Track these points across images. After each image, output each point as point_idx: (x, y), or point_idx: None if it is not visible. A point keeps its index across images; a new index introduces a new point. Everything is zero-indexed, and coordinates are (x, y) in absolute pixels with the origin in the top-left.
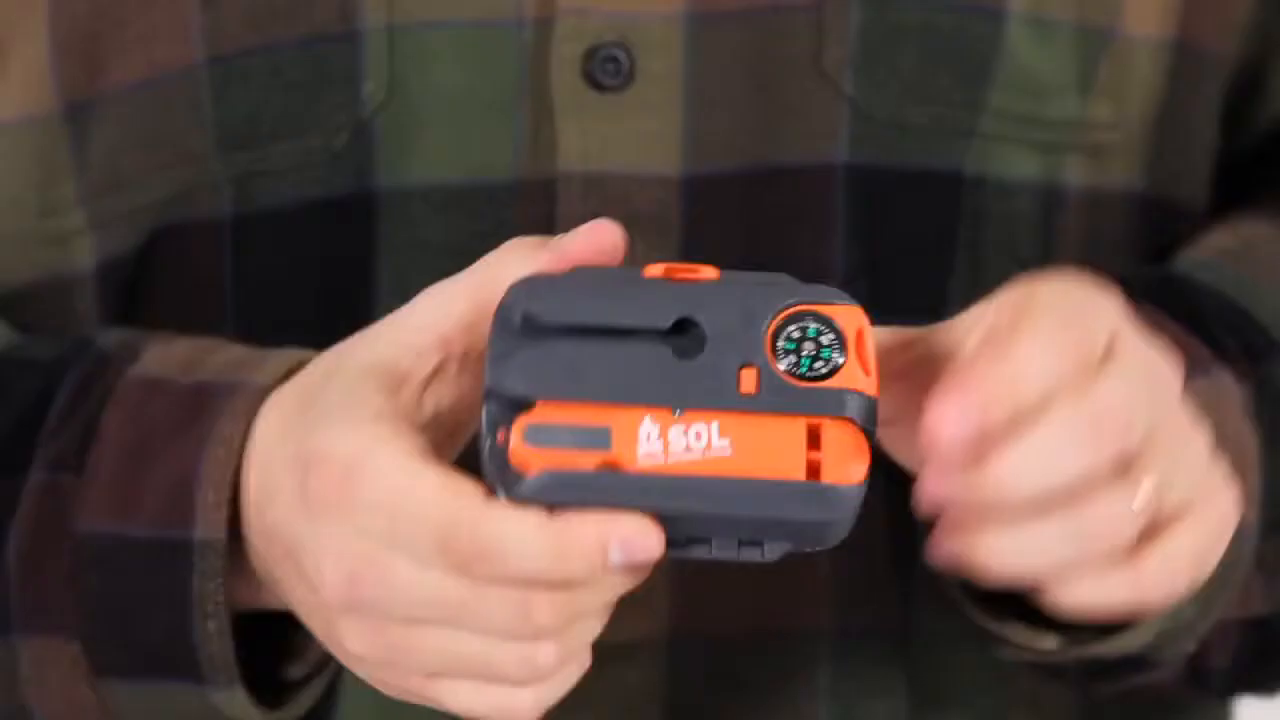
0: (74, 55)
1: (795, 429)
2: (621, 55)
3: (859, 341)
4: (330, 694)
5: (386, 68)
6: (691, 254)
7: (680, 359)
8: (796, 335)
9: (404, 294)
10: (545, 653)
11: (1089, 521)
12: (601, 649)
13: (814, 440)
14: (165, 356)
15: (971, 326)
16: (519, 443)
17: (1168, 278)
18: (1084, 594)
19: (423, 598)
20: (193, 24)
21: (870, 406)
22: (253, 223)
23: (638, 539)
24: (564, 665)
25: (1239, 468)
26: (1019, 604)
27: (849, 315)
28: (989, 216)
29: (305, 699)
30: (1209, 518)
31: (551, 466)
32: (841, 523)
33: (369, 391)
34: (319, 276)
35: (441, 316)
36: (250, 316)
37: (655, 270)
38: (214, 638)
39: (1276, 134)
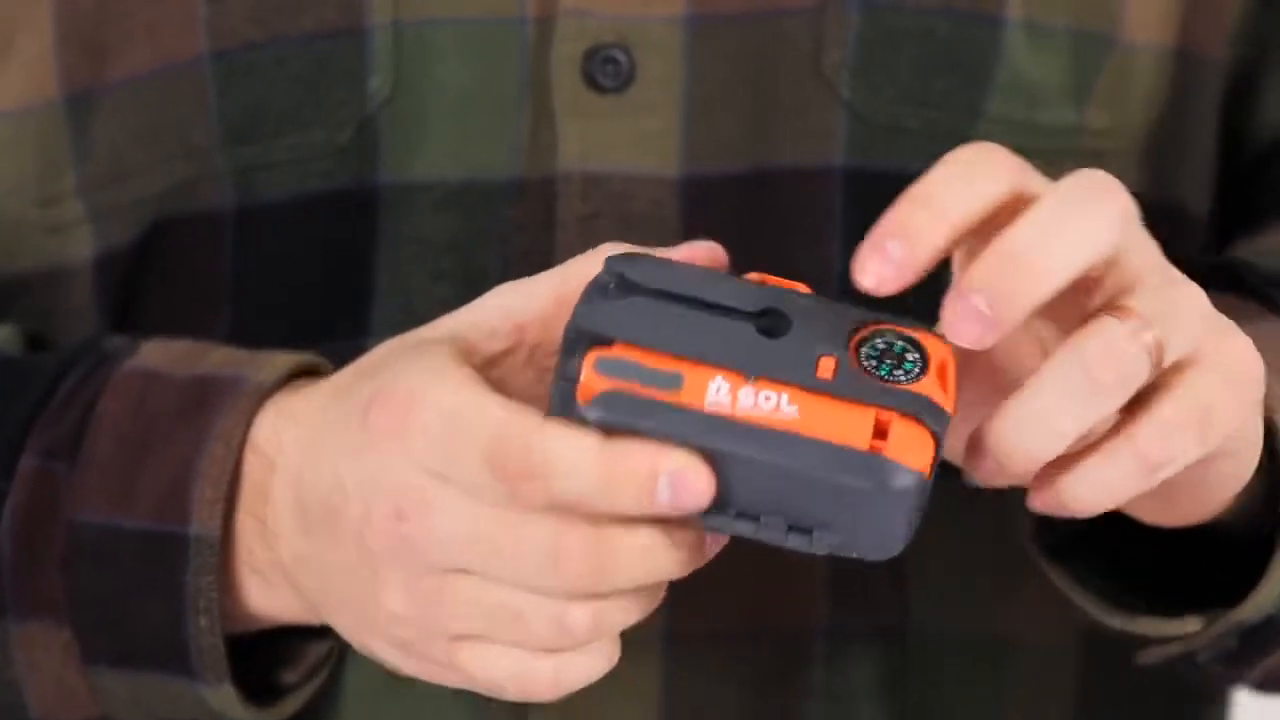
0: (78, 45)
1: (865, 416)
2: (621, 56)
3: (942, 367)
4: (330, 698)
5: (392, 64)
6: None
7: (763, 337)
8: (881, 346)
9: (402, 290)
10: (575, 616)
11: (1093, 360)
12: None
13: (881, 431)
14: (164, 350)
15: None
16: (590, 372)
17: (1214, 261)
18: (1093, 486)
19: (462, 532)
20: (198, 17)
21: (943, 418)
22: (254, 216)
23: (689, 475)
24: (590, 638)
25: None
26: (1147, 604)
27: (936, 345)
28: None
29: (295, 702)
30: (1216, 365)
31: (616, 389)
32: (893, 520)
33: (436, 346)
34: (318, 271)
35: (521, 304)
36: (248, 309)
37: (753, 277)
38: (205, 633)
39: (1275, 142)
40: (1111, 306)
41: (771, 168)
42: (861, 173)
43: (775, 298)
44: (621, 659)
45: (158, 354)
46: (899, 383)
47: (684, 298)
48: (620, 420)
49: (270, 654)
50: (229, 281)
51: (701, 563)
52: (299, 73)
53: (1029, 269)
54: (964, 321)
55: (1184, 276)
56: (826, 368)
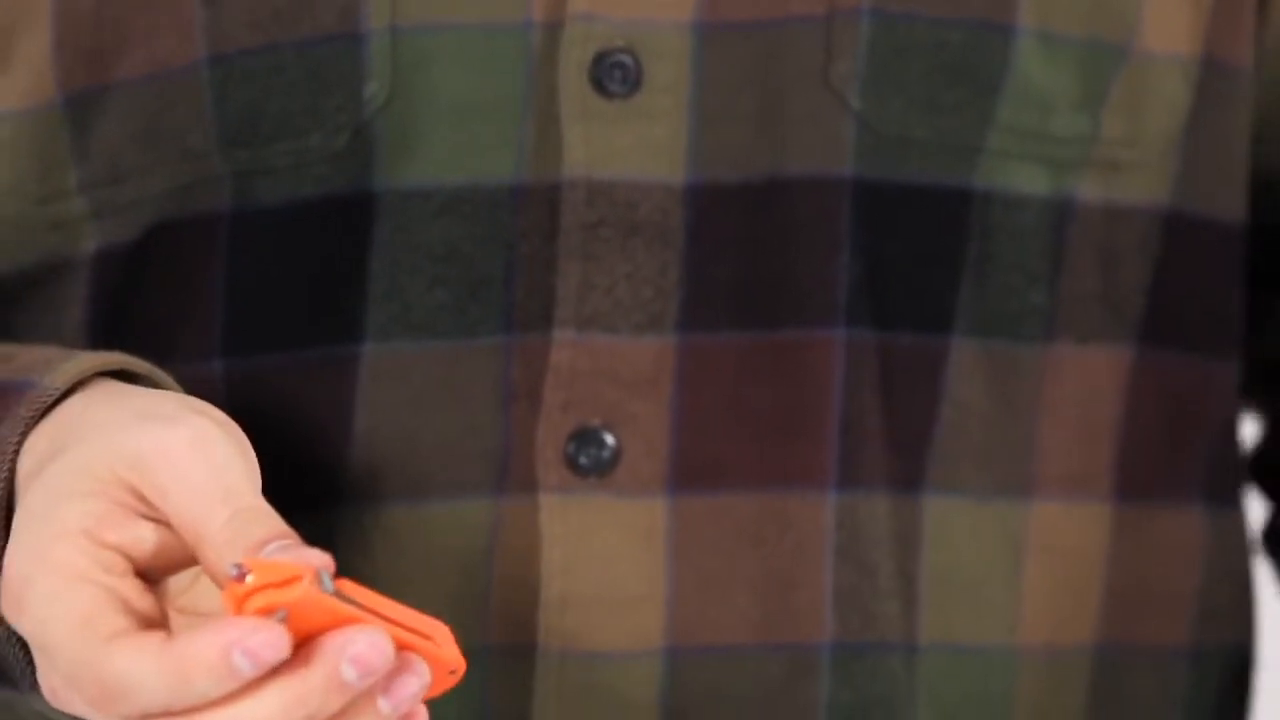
0: (76, 48)
1: None
2: (629, 62)
3: None
4: None
5: (388, 69)
6: (695, 264)
7: None
8: None
9: (399, 295)
10: None
11: None
12: (599, 658)
13: None
14: None
15: None
16: None
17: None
18: None
19: None
20: (196, 22)
21: None
22: (250, 220)
23: (257, 637)
24: None
25: None
26: None
27: None
28: (997, 231)
29: None
30: None
31: None
32: None
33: (61, 555)
34: (313, 275)
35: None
36: (242, 312)
37: None
38: None
39: None
40: None
41: (779, 177)
42: (871, 183)
43: None
44: (623, 674)
45: None
46: None
47: None
48: None
49: None
50: (223, 284)
51: None
52: (296, 78)
53: None
54: None
55: None
56: None
